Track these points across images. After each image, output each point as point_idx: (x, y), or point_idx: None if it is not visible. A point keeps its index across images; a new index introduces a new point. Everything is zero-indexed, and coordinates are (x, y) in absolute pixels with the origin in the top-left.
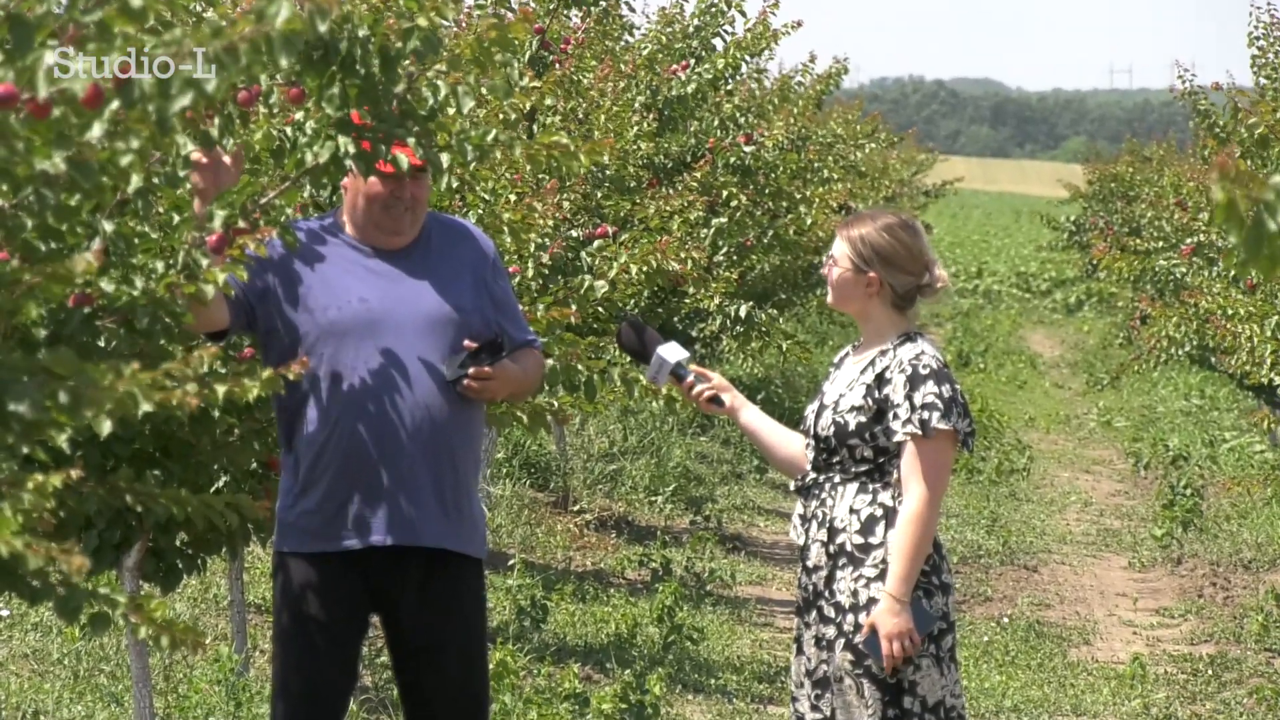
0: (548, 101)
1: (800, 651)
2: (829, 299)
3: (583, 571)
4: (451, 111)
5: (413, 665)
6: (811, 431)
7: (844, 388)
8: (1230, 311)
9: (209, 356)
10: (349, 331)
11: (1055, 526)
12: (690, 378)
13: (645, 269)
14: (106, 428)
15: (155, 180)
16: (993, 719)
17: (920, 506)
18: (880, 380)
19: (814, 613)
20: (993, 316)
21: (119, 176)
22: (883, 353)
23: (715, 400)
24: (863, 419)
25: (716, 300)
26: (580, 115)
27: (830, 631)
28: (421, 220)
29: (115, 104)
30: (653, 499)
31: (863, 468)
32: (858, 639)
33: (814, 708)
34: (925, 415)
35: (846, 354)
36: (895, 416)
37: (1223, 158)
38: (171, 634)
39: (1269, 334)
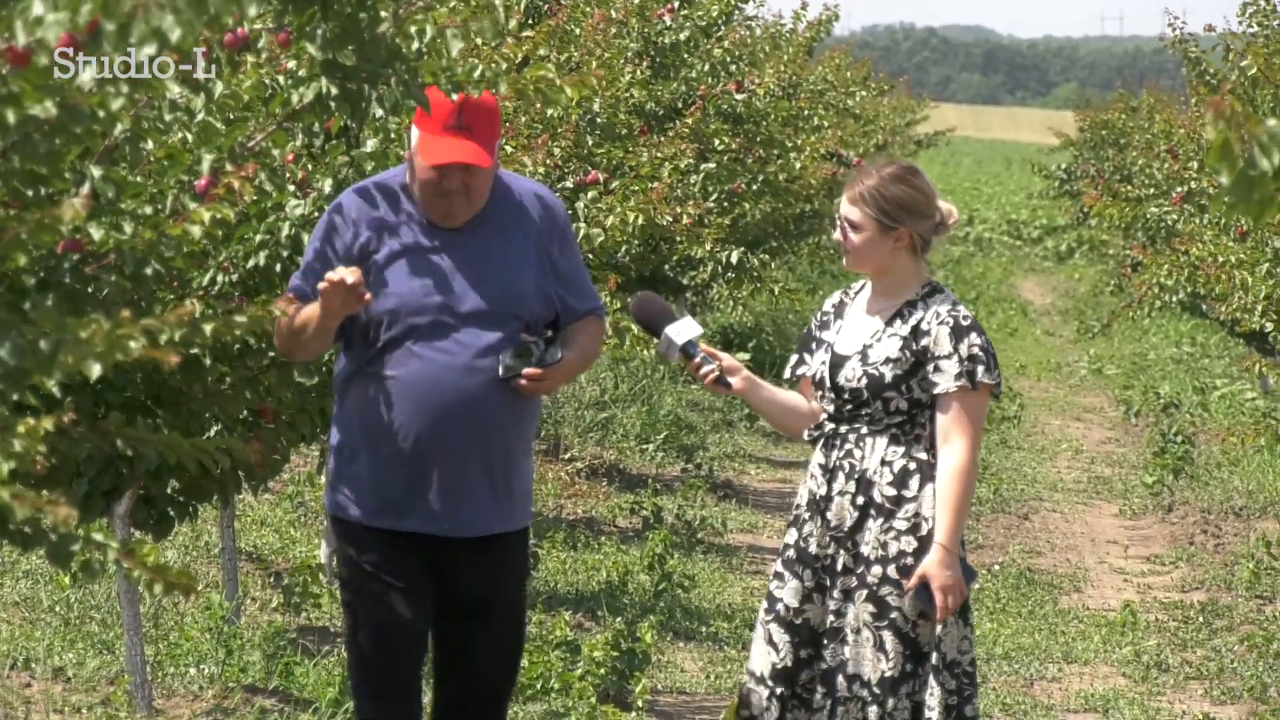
0: (541, 51)
1: (774, 605)
2: (847, 263)
3: (574, 519)
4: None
5: (458, 626)
6: (829, 382)
7: (867, 339)
8: (1222, 258)
9: (196, 306)
10: (407, 318)
11: (1046, 474)
12: (699, 357)
13: (642, 220)
14: (96, 370)
15: (144, 125)
16: (984, 666)
17: (967, 459)
18: (916, 332)
19: (831, 563)
20: (984, 264)
21: (107, 122)
22: (910, 304)
23: (721, 381)
24: (899, 371)
25: (708, 246)
26: (573, 64)
27: (849, 582)
28: (479, 206)
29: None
30: (644, 447)
31: (895, 420)
32: (906, 588)
33: (815, 657)
34: (971, 367)
35: (843, 301)
36: (937, 369)
37: (1218, 99)
38: (164, 579)
39: (1260, 280)
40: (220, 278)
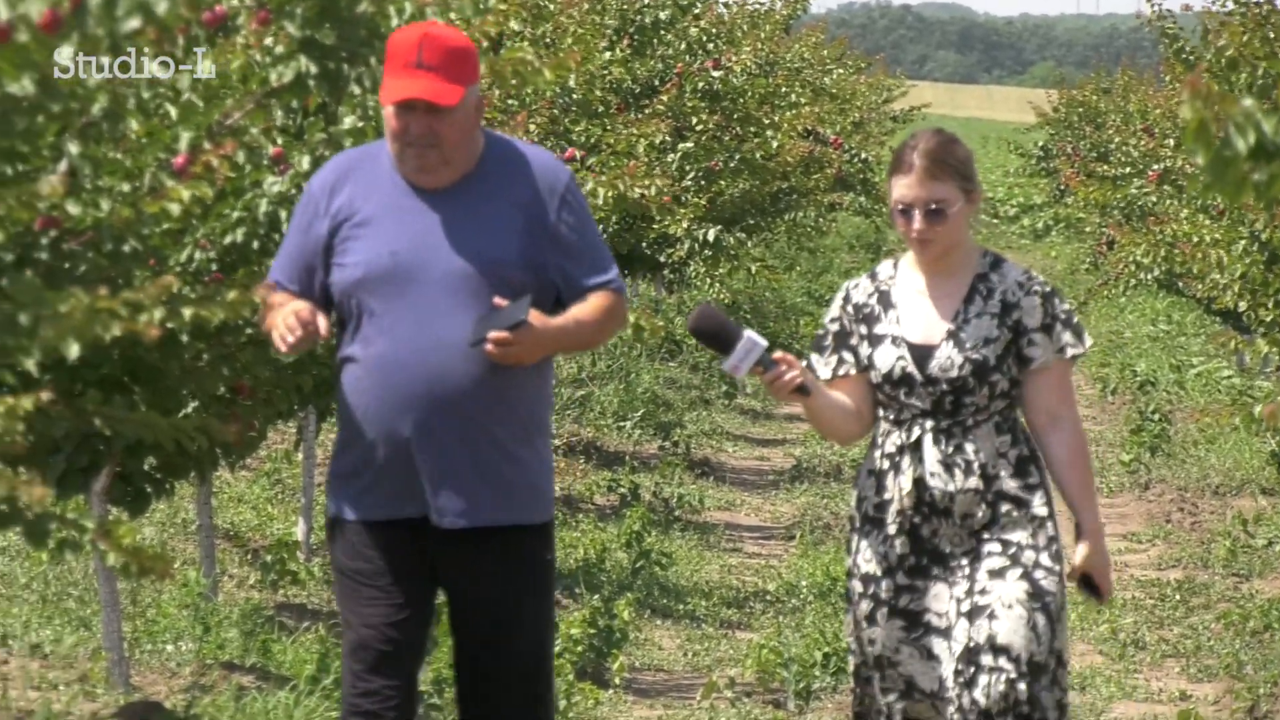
0: (513, 25)
1: (921, 619)
2: (929, 254)
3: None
4: None
5: (466, 643)
6: (920, 376)
7: (950, 323)
8: (1198, 237)
9: (175, 282)
10: (376, 289)
11: None
12: (780, 366)
13: (612, 194)
14: (74, 351)
15: (123, 102)
16: None
17: (1083, 436)
18: (1006, 307)
19: (972, 553)
20: None
21: (86, 98)
22: (981, 278)
23: (802, 389)
24: (1000, 350)
25: (685, 225)
26: (548, 40)
27: (998, 562)
28: (458, 161)
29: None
30: (621, 424)
31: (999, 405)
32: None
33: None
34: (1067, 336)
35: (880, 289)
36: (1032, 342)
37: (1194, 78)
38: (139, 560)
39: (1236, 259)
40: (197, 255)
